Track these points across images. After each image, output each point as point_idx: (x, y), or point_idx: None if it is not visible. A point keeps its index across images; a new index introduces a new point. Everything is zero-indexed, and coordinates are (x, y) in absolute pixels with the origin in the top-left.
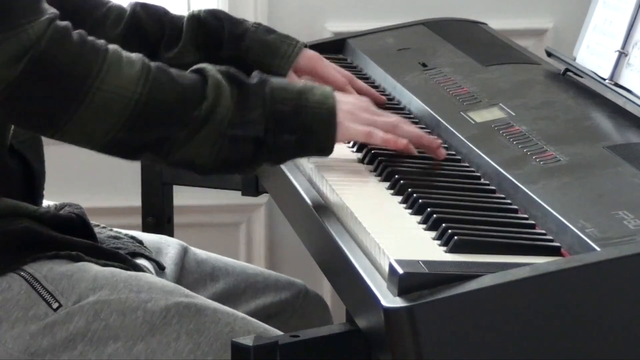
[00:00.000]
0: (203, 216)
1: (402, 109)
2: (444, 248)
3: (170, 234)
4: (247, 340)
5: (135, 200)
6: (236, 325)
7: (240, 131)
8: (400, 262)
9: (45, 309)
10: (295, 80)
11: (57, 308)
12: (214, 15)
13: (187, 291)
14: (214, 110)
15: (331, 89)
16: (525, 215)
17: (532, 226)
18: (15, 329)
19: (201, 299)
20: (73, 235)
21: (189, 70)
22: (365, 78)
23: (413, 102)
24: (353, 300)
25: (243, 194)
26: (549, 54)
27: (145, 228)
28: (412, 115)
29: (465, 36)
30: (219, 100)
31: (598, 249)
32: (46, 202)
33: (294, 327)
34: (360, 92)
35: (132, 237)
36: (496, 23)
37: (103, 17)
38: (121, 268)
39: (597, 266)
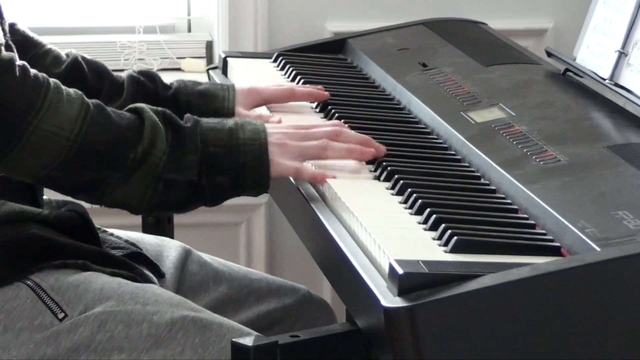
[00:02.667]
0: (203, 216)
1: (402, 109)
2: (444, 248)
3: (171, 234)
4: (247, 341)
5: None
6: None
7: (174, 175)
8: (400, 262)
9: (51, 318)
10: (225, 121)
11: (63, 318)
12: (149, 77)
13: (193, 305)
14: (150, 153)
15: (262, 123)
16: (525, 215)
17: (532, 226)
18: (20, 338)
19: (207, 314)
20: (77, 236)
21: (125, 109)
22: (365, 78)
23: (413, 102)
24: (353, 300)
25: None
26: (549, 54)
27: (145, 228)
28: (412, 115)
29: (465, 36)
30: (154, 144)
31: (598, 249)
32: (47, 197)
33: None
34: (303, 97)
35: (132, 244)
36: (496, 23)
37: (42, 56)
38: (127, 277)
39: (597, 266)
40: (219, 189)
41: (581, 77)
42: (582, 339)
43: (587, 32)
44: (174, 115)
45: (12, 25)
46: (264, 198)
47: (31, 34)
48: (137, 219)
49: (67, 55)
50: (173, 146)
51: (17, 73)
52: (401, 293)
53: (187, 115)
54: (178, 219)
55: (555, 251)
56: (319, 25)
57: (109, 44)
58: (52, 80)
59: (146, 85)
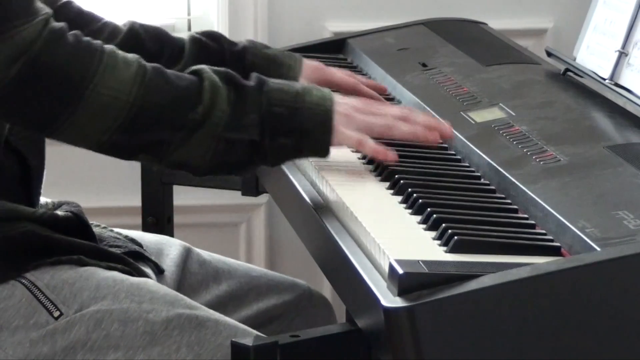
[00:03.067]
0: (203, 216)
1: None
2: (444, 248)
3: (170, 234)
4: (247, 340)
5: (135, 200)
6: (238, 337)
7: (236, 134)
8: (400, 262)
9: (47, 317)
10: (293, 83)
11: (59, 317)
12: (211, 37)
13: (189, 301)
14: (210, 113)
15: (329, 91)
16: (525, 215)
17: (532, 226)
18: (15, 337)
19: (203, 310)
20: (73, 235)
21: (187, 71)
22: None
23: (413, 102)
24: (353, 300)
25: (243, 194)
26: (549, 54)
27: (145, 228)
28: None
29: (465, 36)
30: (215, 104)
31: (598, 249)
32: (43, 199)
33: (298, 329)
34: (366, 94)
35: (132, 240)
36: (496, 23)
37: (97, 31)
38: (123, 271)
39: (597, 266)
40: (281, 150)
41: (581, 77)
42: (582, 339)
43: (587, 32)
44: (236, 75)
45: (68, 2)
46: (264, 198)
47: (86, 10)
48: (137, 219)
49: (124, 25)
50: (234, 105)
51: (70, 39)
52: (401, 293)
53: (254, 73)
54: (178, 218)
55: (555, 251)
56: (319, 25)
57: None
58: (107, 45)
59: (209, 45)
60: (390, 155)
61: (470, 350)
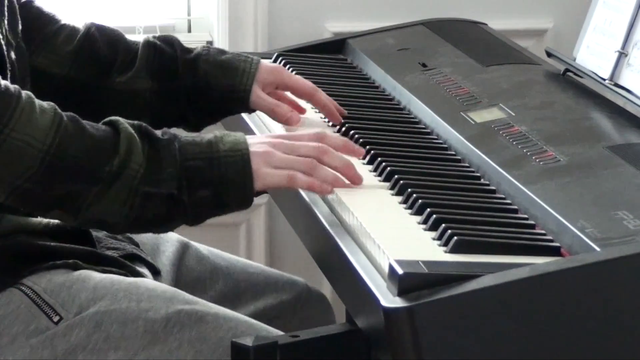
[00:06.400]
0: None
1: (402, 109)
2: (444, 248)
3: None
4: (247, 340)
5: None
6: (238, 330)
7: (153, 188)
8: (400, 262)
9: (47, 322)
10: (203, 136)
11: (58, 321)
12: (168, 42)
13: (187, 296)
14: (126, 165)
15: (242, 135)
16: (525, 216)
17: (532, 226)
18: (15, 343)
19: (202, 304)
20: (73, 240)
21: (101, 122)
22: (365, 78)
23: (413, 102)
24: (353, 300)
25: None
26: (549, 54)
27: None
28: (412, 116)
29: (465, 36)
30: (131, 156)
31: (598, 249)
32: None
33: (296, 327)
34: (320, 105)
35: (128, 238)
36: (496, 23)
37: (54, 34)
38: (119, 274)
39: (597, 266)
40: (201, 205)
41: (581, 77)
42: (582, 339)
43: (587, 32)
44: (150, 128)
45: (28, 2)
46: (264, 198)
47: (46, 11)
48: None
49: (81, 28)
50: (150, 159)
51: None
52: (401, 293)
53: (164, 129)
54: None
55: (555, 251)
56: (319, 25)
57: None
58: (24, 92)
59: (164, 50)
60: (324, 189)
61: (470, 350)
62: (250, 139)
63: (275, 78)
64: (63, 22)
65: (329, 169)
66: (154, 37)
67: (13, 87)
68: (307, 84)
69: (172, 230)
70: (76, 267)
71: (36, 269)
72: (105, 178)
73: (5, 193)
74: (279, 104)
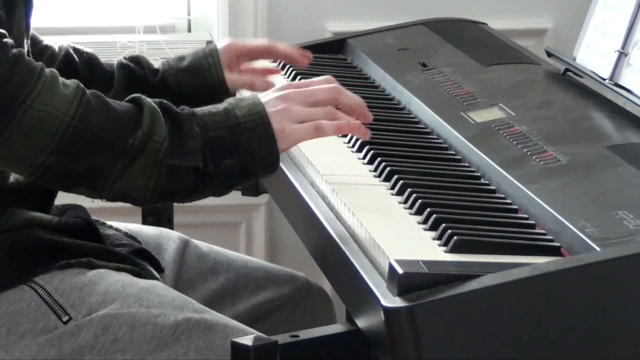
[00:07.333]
0: (203, 216)
1: (402, 109)
2: (444, 248)
3: None
4: (247, 340)
5: None
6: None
7: (177, 161)
8: (400, 262)
9: (55, 321)
10: (218, 105)
11: (67, 321)
12: (136, 62)
13: (197, 305)
14: (150, 138)
15: (256, 96)
16: (525, 215)
17: (532, 226)
18: (23, 340)
19: (211, 314)
20: (82, 238)
21: (124, 100)
22: (365, 78)
23: (413, 102)
24: (353, 300)
25: (243, 194)
26: (549, 54)
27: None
28: (412, 115)
29: (465, 36)
30: (154, 129)
31: (598, 249)
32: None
33: (297, 322)
34: (281, 55)
35: (132, 237)
36: (496, 23)
37: (39, 53)
38: (132, 272)
39: (597, 266)
40: (227, 174)
41: (581, 77)
42: (582, 339)
43: (587, 32)
44: (170, 104)
45: None
46: (264, 198)
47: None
48: (137, 219)
49: (60, 49)
50: (173, 132)
51: (11, 54)
52: (401, 293)
53: (182, 106)
54: (177, 218)
55: (555, 251)
56: (319, 25)
57: (109, 44)
58: (48, 68)
59: (136, 71)
60: (353, 126)
61: (470, 350)
62: (263, 98)
63: (232, 54)
64: (44, 42)
65: (347, 99)
66: (125, 58)
67: (37, 62)
68: (259, 42)
69: (199, 199)
70: (90, 266)
71: (49, 267)
72: (129, 151)
73: (28, 170)
74: (252, 79)
